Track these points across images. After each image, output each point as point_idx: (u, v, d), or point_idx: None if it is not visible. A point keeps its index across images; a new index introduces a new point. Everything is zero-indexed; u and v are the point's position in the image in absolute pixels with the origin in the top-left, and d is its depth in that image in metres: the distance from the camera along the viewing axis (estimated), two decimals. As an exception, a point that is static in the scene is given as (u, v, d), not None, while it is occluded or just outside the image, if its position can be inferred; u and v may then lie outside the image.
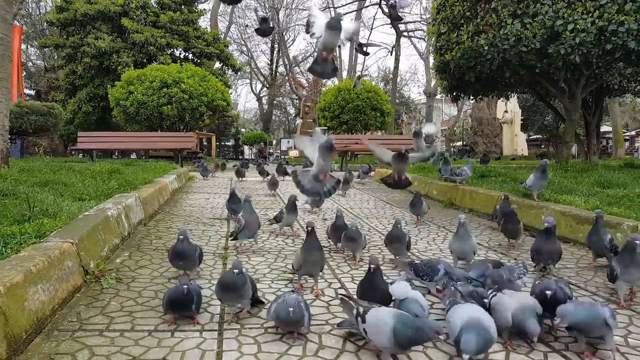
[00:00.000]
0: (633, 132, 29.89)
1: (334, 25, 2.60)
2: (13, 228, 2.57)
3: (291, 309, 1.82)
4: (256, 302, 2.25)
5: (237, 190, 4.61)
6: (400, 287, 2.05)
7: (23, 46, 25.17)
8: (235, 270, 2.00)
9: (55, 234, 2.57)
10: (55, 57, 26.26)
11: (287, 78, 36.80)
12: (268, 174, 8.08)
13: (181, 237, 2.59)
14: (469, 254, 2.84)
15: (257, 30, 3.93)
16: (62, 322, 2.04)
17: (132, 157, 16.68)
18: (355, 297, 2.08)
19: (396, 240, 3.02)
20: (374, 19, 51.04)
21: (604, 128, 21.61)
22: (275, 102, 39.76)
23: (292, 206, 3.78)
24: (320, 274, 2.64)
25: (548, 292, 1.95)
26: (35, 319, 1.91)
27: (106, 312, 2.17)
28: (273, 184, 6.49)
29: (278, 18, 34.87)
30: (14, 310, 1.77)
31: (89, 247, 2.69)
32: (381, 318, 1.69)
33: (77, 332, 1.94)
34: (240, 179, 8.16)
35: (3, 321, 1.68)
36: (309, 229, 2.43)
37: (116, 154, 17.25)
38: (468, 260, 2.86)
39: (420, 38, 31.67)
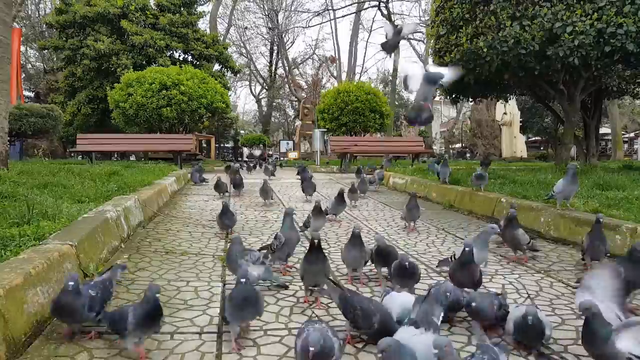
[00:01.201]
0: (632, 134, 29.92)
1: (432, 79, 2.64)
2: (12, 230, 2.57)
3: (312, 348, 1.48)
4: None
5: (230, 204, 4.14)
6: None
7: (22, 48, 25.19)
8: (242, 280, 1.88)
9: (55, 236, 2.57)
10: (55, 59, 26.28)
11: (286, 80, 36.83)
12: (226, 191, 6.48)
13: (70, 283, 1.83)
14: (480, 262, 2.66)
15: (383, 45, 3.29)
16: (62, 324, 2.03)
17: (131, 159, 16.68)
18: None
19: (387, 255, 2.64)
20: (372, 21, 51.00)
21: (602, 130, 21.64)
22: (274, 104, 39.78)
23: (318, 211, 3.78)
24: None
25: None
26: (35, 322, 1.91)
27: (105, 314, 2.17)
28: (265, 192, 5.72)
29: (277, 20, 34.92)
30: (13, 312, 1.76)
31: (88, 249, 2.69)
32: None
33: (77, 334, 1.94)
34: (221, 194, 6.37)
35: (2, 323, 1.68)
36: (316, 241, 2.30)
37: (115, 156, 17.24)
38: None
39: (419, 40, 31.72)
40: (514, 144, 22.16)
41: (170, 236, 3.93)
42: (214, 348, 1.87)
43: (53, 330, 1.97)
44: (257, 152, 16.11)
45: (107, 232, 3.16)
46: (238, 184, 6.54)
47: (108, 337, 1.94)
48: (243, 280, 1.87)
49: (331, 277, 2.40)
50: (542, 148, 27.99)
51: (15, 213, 2.99)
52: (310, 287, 2.42)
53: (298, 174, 8.77)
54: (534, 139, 28.75)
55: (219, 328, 2.06)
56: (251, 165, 12.02)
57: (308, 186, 6.16)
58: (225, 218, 3.93)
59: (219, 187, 6.35)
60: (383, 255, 2.64)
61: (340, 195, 4.56)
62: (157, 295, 1.77)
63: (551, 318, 2.23)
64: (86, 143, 12.59)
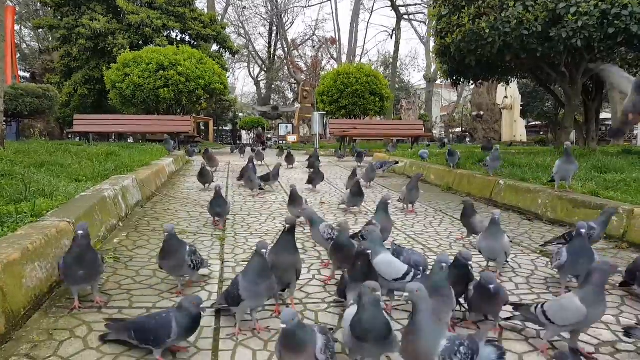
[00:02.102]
0: (632, 119, 29.75)
1: None
2: (9, 207, 2.57)
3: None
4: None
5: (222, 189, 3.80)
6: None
7: (16, 27, 24.78)
8: (263, 250, 1.76)
9: (52, 214, 2.56)
10: (50, 38, 25.89)
11: (285, 62, 36.47)
12: (213, 181, 5.48)
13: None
14: (500, 255, 2.47)
15: None
16: (61, 299, 2.05)
17: (129, 141, 16.60)
18: None
19: (340, 250, 2.26)
20: (374, 1, 50.44)
21: (603, 115, 21.50)
22: (273, 86, 39.46)
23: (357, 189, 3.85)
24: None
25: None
26: (34, 296, 1.91)
27: (104, 290, 2.18)
28: (250, 181, 5.13)
29: (277, 0, 34.39)
30: (11, 286, 1.77)
31: (86, 226, 2.69)
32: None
33: (75, 308, 1.95)
34: (206, 185, 5.43)
35: (1, 297, 1.68)
36: (288, 226, 2.00)
37: (113, 137, 17.16)
38: (499, 263, 2.53)
39: (420, 21, 31.38)
40: (514, 128, 22.10)
41: (169, 216, 3.93)
42: (212, 322, 1.89)
43: (52, 305, 1.98)
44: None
45: (105, 210, 3.15)
46: (266, 179, 5.39)
47: (106, 310, 1.95)
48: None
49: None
50: (541, 133, 27.91)
51: (12, 191, 2.98)
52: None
53: (287, 158, 8.23)
54: (533, 123, 28.64)
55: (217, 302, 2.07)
56: (244, 148, 11.86)
57: (315, 177, 5.51)
58: (217, 205, 3.48)
59: (203, 176, 5.31)
60: (339, 249, 2.24)
61: (357, 186, 4.19)
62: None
63: (546, 296, 2.26)
64: (83, 124, 12.51)
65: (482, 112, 24.54)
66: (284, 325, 1.33)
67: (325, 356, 1.40)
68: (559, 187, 4.09)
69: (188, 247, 2.21)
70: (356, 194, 4.15)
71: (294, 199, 3.63)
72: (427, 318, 1.37)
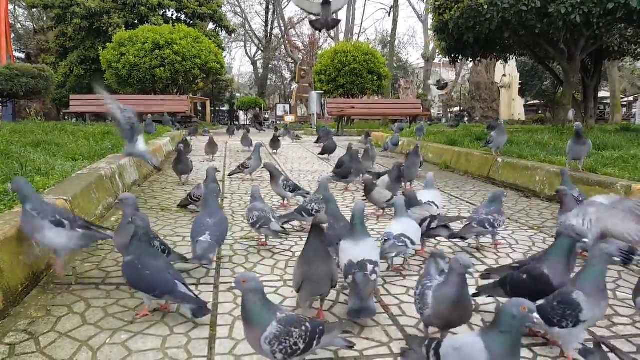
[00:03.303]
0: (631, 98, 29.64)
1: None
2: (5, 186, 2.55)
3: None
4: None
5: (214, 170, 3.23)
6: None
7: (10, 7, 24.30)
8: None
9: (49, 192, 2.56)
10: (45, 18, 25.43)
11: (282, 41, 35.97)
12: (192, 170, 4.50)
13: None
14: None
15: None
16: (56, 280, 2.05)
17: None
18: None
19: None
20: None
21: (601, 94, 21.40)
22: (270, 66, 38.99)
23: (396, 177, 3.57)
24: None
25: None
26: (31, 272, 1.92)
27: (102, 267, 2.19)
28: (246, 167, 4.66)
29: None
30: (8, 263, 1.78)
31: (83, 204, 2.69)
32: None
33: (74, 285, 1.97)
34: (182, 178, 4.50)
35: (-2, 273, 1.69)
36: (319, 225, 1.69)
37: (110, 118, 17.05)
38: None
39: (419, -1, 30.80)
40: (513, 106, 21.98)
41: (166, 194, 3.93)
42: (210, 298, 1.90)
43: (50, 281, 1.99)
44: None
45: (101, 188, 3.15)
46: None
47: (105, 287, 1.96)
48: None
49: None
50: (540, 112, 27.79)
51: (9, 170, 2.96)
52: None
53: (272, 142, 7.30)
54: (532, 102, 28.51)
55: (215, 280, 2.09)
56: (232, 129, 11.65)
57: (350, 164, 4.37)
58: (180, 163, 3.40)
59: (180, 164, 4.29)
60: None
61: (398, 171, 3.63)
62: None
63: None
64: (80, 104, 12.43)
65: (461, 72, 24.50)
66: (232, 284, 1.16)
67: (271, 348, 1.21)
68: (569, 164, 4.02)
69: None
70: (396, 180, 3.58)
71: (273, 176, 3.50)
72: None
